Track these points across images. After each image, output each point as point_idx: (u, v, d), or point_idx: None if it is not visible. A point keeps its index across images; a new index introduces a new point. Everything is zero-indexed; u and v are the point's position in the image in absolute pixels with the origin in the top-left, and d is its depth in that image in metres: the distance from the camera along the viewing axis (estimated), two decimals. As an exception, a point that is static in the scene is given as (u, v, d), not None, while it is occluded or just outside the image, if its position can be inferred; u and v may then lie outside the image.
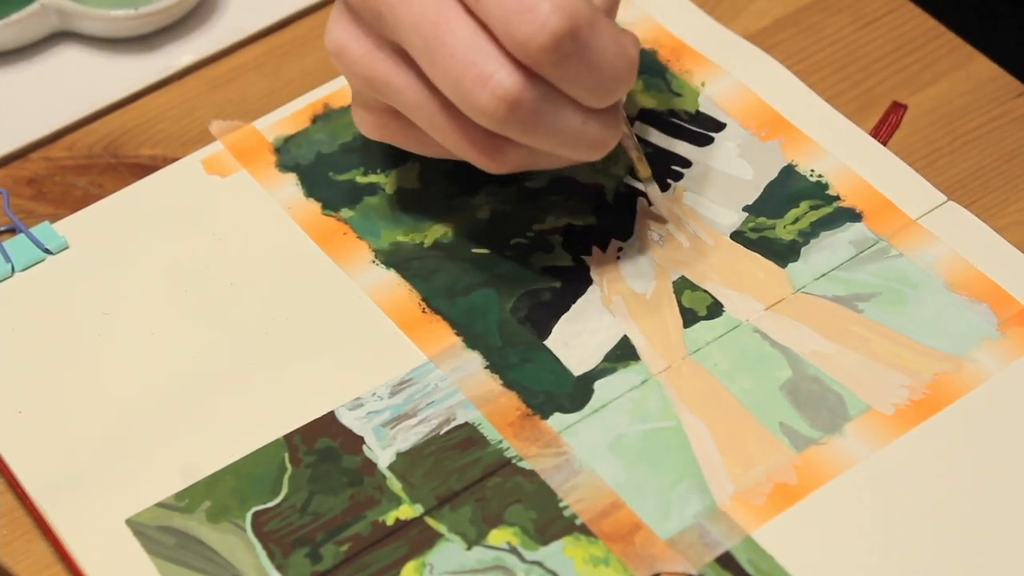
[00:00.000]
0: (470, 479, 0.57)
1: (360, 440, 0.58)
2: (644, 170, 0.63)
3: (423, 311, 0.61)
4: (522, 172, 0.64)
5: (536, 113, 0.55)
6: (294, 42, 0.72)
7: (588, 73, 0.55)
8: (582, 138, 0.56)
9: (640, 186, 0.65)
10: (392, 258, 0.63)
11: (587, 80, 0.55)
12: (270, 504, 0.57)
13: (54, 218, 0.65)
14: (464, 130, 0.57)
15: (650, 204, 0.64)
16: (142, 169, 0.67)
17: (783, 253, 0.63)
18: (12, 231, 0.65)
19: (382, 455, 0.58)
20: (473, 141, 0.57)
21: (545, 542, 0.56)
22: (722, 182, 0.65)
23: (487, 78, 0.54)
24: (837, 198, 0.64)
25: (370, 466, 0.58)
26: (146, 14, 0.70)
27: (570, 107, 0.56)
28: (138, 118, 0.69)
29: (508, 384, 0.60)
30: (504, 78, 0.54)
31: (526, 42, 0.53)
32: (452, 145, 0.58)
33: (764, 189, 0.64)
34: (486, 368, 0.60)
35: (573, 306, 0.61)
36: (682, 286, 0.62)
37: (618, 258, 0.63)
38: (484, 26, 0.54)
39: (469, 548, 0.56)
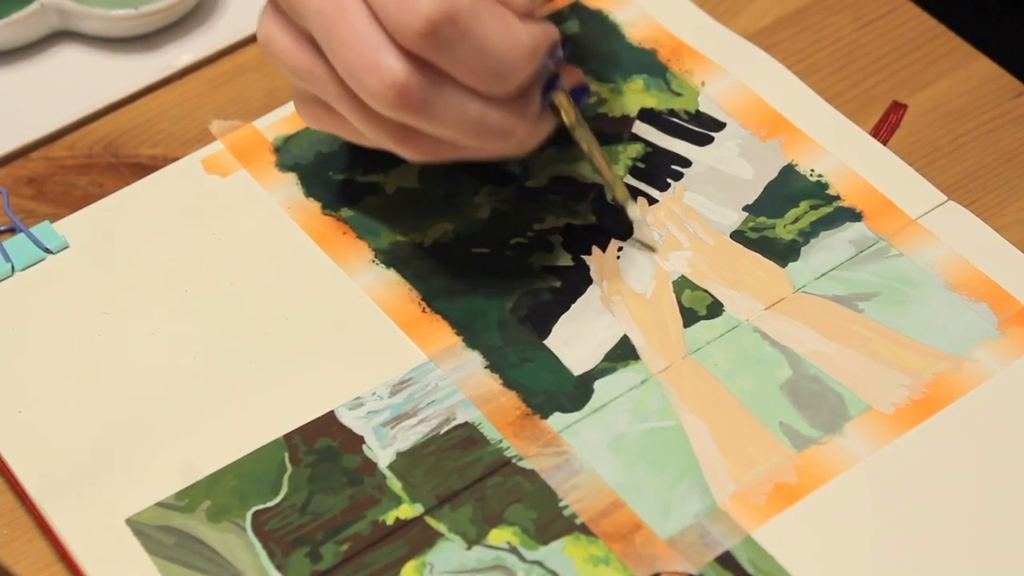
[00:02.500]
0: (470, 479, 0.57)
1: (360, 440, 0.58)
2: (620, 191, 0.62)
3: (423, 311, 0.61)
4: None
5: (426, 99, 0.55)
6: (294, 42, 0.71)
7: (474, 58, 0.55)
8: (484, 126, 0.56)
9: (640, 186, 0.65)
10: (392, 258, 0.63)
11: (473, 65, 0.55)
12: (270, 504, 0.57)
13: (54, 218, 0.65)
14: (375, 118, 0.57)
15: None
16: (142, 169, 0.67)
17: (783, 253, 0.63)
18: (12, 231, 0.65)
19: (382, 455, 0.58)
20: (385, 128, 0.57)
21: (545, 542, 0.56)
22: (722, 182, 0.65)
23: (376, 65, 0.55)
24: (837, 198, 0.64)
25: (370, 466, 0.58)
26: (146, 14, 0.70)
27: (464, 94, 0.56)
28: (138, 118, 0.69)
29: (508, 384, 0.60)
30: (392, 64, 0.55)
31: (404, 28, 0.54)
32: (369, 132, 0.58)
33: (764, 189, 0.64)
34: (486, 368, 0.60)
35: (573, 306, 0.61)
36: (682, 286, 0.62)
37: (618, 258, 0.63)
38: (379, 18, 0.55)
39: (469, 548, 0.56)
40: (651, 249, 0.63)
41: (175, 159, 0.67)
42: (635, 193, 0.65)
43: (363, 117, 0.57)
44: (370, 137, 0.58)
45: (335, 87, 0.57)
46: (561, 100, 0.59)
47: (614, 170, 0.63)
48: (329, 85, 0.57)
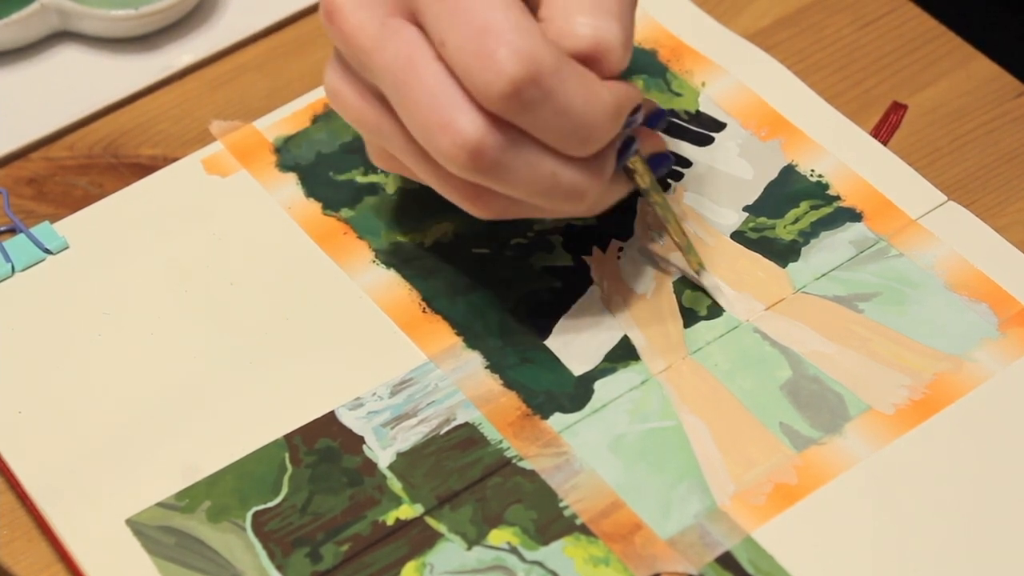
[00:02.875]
0: (470, 479, 0.57)
1: (360, 440, 0.58)
2: (694, 259, 0.61)
3: (423, 311, 0.61)
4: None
5: (500, 160, 0.54)
6: (294, 42, 0.72)
7: (556, 120, 0.53)
8: (557, 188, 0.55)
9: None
10: (392, 258, 0.63)
11: (555, 127, 0.54)
12: (270, 504, 0.57)
13: (54, 218, 0.65)
14: (444, 175, 0.56)
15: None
16: (142, 169, 0.67)
17: (783, 253, 0.63)
18: (12, 231, 0.65)
19: (382, 455, 0.58)
20: (454, 185, 0.56)
21: (545, 542, 0.56)
22: (722, 182, 0.65)
23: (448, 125, 0.53)
24: (837, 198, 0.64)
25: (370, 466, 0.58)
26: (146, 14, 0.70)
27: (539, 154, 0.54)
28: (138, 118, 0.69)
29: (508, 384, 0.60)
30: (465, 125, 0.53)
31: (486, 89, 0.52)
32: (438, 188, 0.57)
33: (764, 189, 0.64)
34: (486, 368, 0.60)
35: (573, 306, 0.61)
36: (682, 286, 0.62)
37: (618, 258, 0.63)
38: (452, 73, 0.54)
39: (469, 548, 0.56)
40: (663, 225, 0.62)
41: (175, 159, 0.67)
42: (635, 194, 0.64)
43: (432, 174, 0.56)
44: (439, 192, 0.57)
45: (404, 142, 0.56)
46: (636, 164, 0.59)
47: (688, 238, 0.62)
48: (398, 140, 0.56)
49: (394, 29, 0.54)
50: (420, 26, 0.54)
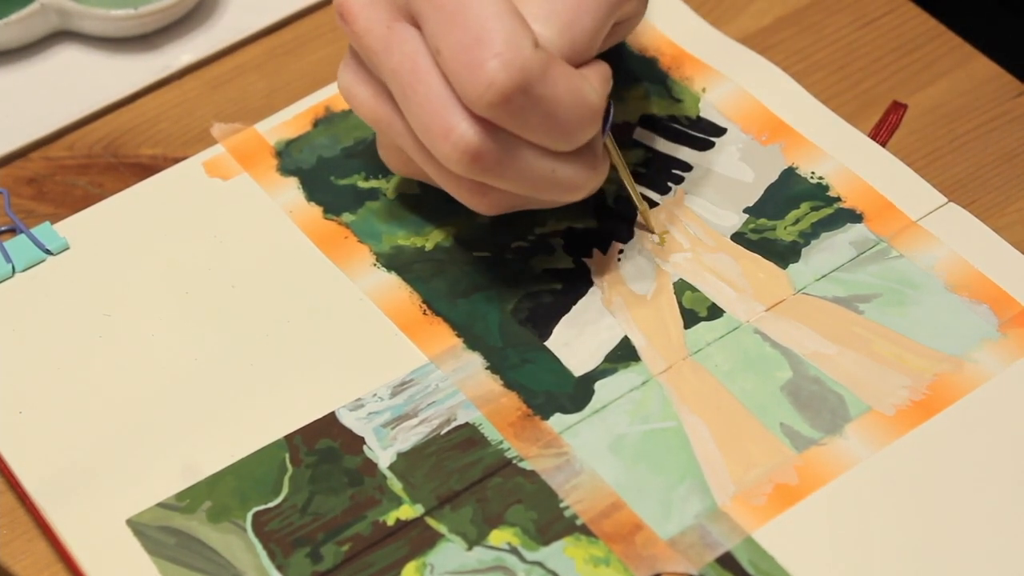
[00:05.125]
0: (471, 479, 0.57)
1: (361, 440, 0.58)
2: (649, 221, 0.63)
3: (424, 313, 0.61)
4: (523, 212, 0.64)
5: (500, 162, 0.56)
6: (294, 42, 0.72)
7: (545, 123, 0.55)
8: (556, 182, 0.57)
9: (641, 189, 0.65)
10: (393, 261, 0.63)
11: (545, 129, 0.55)
12: (271, 504, 0.57)
13: (54, 218, 0.65)
14: (449, 173, 0.58)
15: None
16: (142, 169, 0.67)
17: (784, 254, 0.63)
18: (13, 231, 0.65)
19: (383, 455, 0.58)
20: (459, 183, 0.58)
21: (546, 542, 0.56)
22: (723, 185, 0.65)
23: (449, 130, 0.55)
24: (838, 199, 0.64)
25: (371, 466, 0.58)
26: (146, 14, 0.70)
27: (535, 153, 0.56)
28: (138, 118, 0.69)
29: (509, 385, 0.60)
30: (465, 130, 0.55)
31: (476, 99, 0.54)
32: (444, 186, 0.59)
33: (765, 191, 0.64)
34: (487, 369, 0.60)
35: (574, 307, 0.61)
36: (682, 287, 0.62)
37: (619, 260, 0.63)
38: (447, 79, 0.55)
39: (470, 548, 0.56)
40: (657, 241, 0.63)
41: (175, 159, 0.67)
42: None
43: (438, 172, 0.58)
44: (445, 189, 0.59)
45: (412, 141, 0.58)
46: (609, 142, 0.60)
47: (644, 204, 0.63)
48: (407, 138, 0.58)
49: (399, 33, 0.56)
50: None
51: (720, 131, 0.66)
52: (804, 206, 0.64)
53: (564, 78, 0.55)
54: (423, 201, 0.65)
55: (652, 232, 0.63)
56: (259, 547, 0.56)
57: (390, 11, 0.56)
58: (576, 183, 0.58)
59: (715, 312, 0.61)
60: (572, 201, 0.59)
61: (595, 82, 0.57)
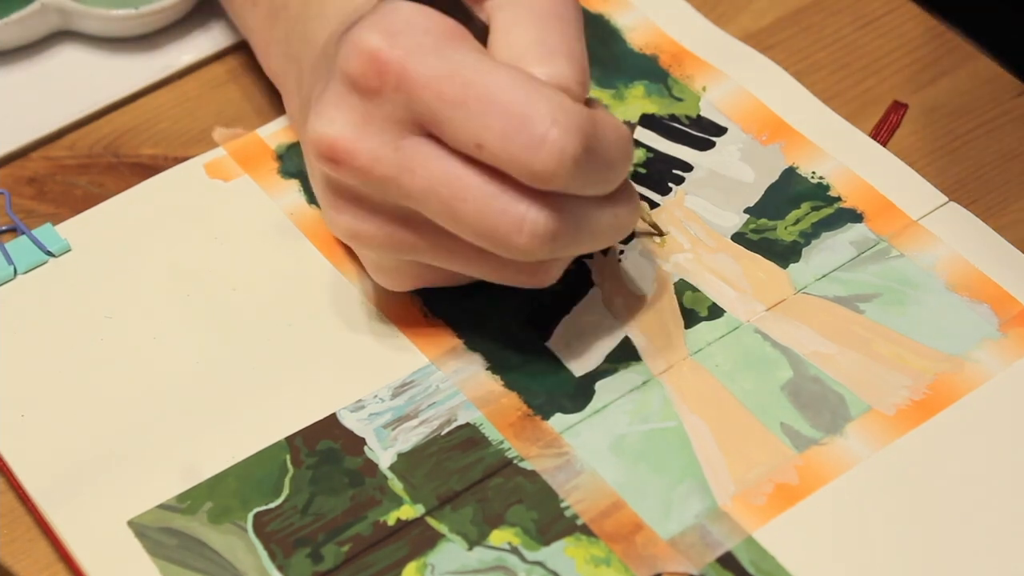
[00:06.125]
0: (471, 479, 0.57)
1: (362, 441, 0.58)
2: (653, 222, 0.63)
3: (425, 315, 0.61)
4: None
5: (574, 232, 0.54)
6: (294, 42, 0.72)
7: (603, 170, 0.54)
8: (619, 227, 0.56)
9: (641, 190, 0.65)
10: (393, 260, 0.63)
11: (604, 177, 0.54)
12: (272, 505, 0.57)
13: (55, 218, 0.65)
14: (508, 265, 0.55)
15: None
16: (143, 168, 0.67)
17: (784, 254, 0.63)
18: (14, 232, 0.65)
19: (383, 456, 0.58)
20: (519, 269, 0.56)
21: (546, 542, 0.56)
22: (723, 185, 0.65)
23: (520, 222, 0.53)
24: (838, 199, 0.64)
25: (371, 467, 0.58)
26: (146, 14, 0.70)
27: (597, 206, 0.55)
28: (138, 118, 0.69)
29: (509, 385, 0.60)
30: (536, 216, 0.53)
31: (550, 175, 0.52)
32: (496, 278, 0.56)
33: (765, 191, 0.64)
34: (487, 369, 0.60)
35: (574, 308, 0.61)
36: (683, 287, 0.62)
37: (619, 260, 0.63)
38: (494, 170, 0.53)
39: (470, 548, 0.56)
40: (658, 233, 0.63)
41: (176, 159, 0.67)
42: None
43: (491, 269, 0.56)
44: (498, 281, 0.57)
45: (450, 250, 0.55)
46: None
47: (645, 206, 0.63)
48: (441, 251, 0.55)
49: (414, 150, 0.53)
50: (435, 137, 0.53)
51: (721, 130, 0.66)
52: (805, 206, 0.64)
53: (605, 120, 0.54)
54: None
55: (660, 233, 0.63)
56: (260, 548, 0.56)
57: (391, 131, 0.53)
58: (632, 217, 0.56)
59: (716, 312, 0.61)
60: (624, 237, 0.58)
61: (611, 115, 0.55)
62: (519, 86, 0.52)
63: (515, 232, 0.53)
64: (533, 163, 0.52)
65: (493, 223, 0.53)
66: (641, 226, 0.63)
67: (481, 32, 0.55)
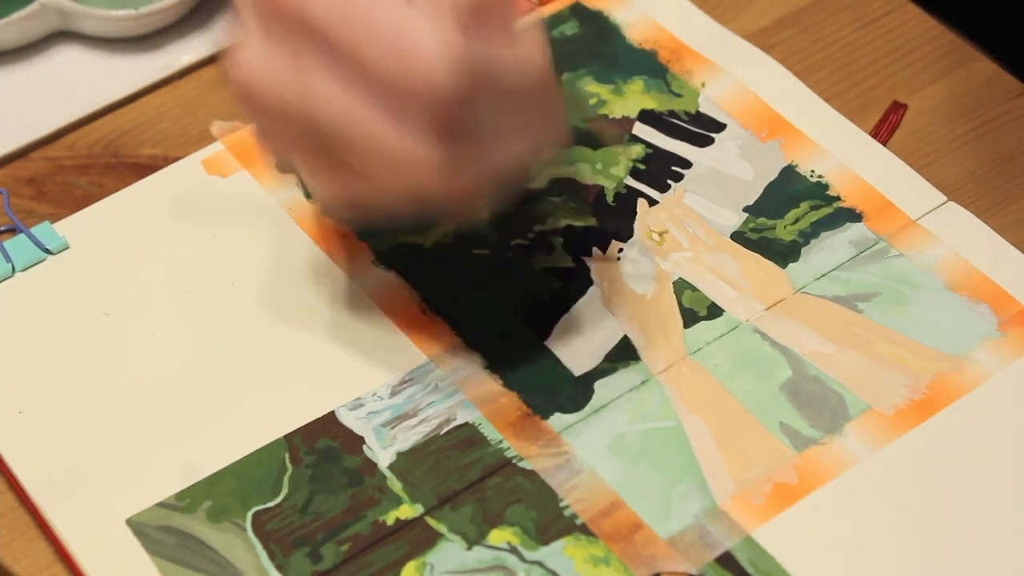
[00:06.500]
0: (470, 479, 0.57)
1: (360, 440, 0.58)
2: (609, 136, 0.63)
3: (423, 312, 0.61)
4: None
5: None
6: (294, 42, 0.71)
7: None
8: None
9: (640, 187, 0.65)
10: (393, 259, 0.63)
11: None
12: (271, 504, 0.57)
13: (54, 218, 0.65)
14: (403, 133, 0.53)
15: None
16: (142, 168, 0.67)
17: (783, 253, 0.63)
18: (12, 231, 0.65)
19: (382, 455, 0.58)
20: (415, 143, 0.53)
21: (545, 542, 0.56)
22: (722, 183, 0.65)
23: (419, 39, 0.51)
24: (837, 198, 0.64)
25: (370, 466, 0.58)
26: (146, 14, 0.70)
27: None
28: (138, 118, 0.69)
29: (508, 384, 0.60)
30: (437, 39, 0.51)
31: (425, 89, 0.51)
32: (400, 147, 0.53)
33: (764, 189, 0.64)
34: (486, 368, 0.60)
35: (574, 307, 0.61)
36: (682, 287, 0.62)
37: (619, 259, 0.63)
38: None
39: (469, 548, 0.56)
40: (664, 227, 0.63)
41: (175, 159, 0.67)
42: (636, 194, 0.65)
43: (387, 137, 0.53)
44: (399, 162, 0.54)
45: (344, 102, 0.53)
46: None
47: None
48: (337, 102, 0.53)
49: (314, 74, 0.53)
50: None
51: (720, 127, 0.66)
52: (804, 205, 0.64)
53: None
54: (423, 200, 0.65)
55: (607, 137, 0.62)
56: (259, 547, 0.56)
57: (294, 58, 0.53)
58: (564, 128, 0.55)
59: (715, 311, 0.61)
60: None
61: (537, 41, 0.54)
62: (393, 6, 0.51)
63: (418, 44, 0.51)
64: (408, 80, 0.51)
65: (393, 40, 0.51)
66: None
67: None
